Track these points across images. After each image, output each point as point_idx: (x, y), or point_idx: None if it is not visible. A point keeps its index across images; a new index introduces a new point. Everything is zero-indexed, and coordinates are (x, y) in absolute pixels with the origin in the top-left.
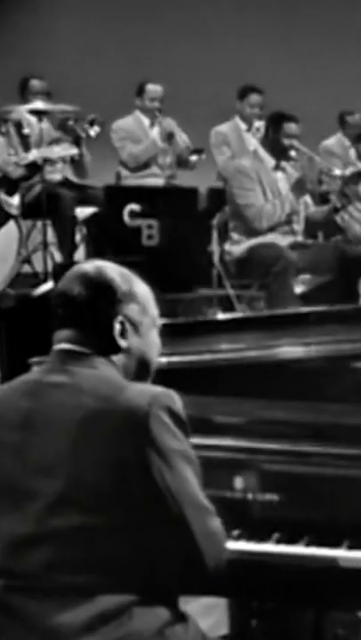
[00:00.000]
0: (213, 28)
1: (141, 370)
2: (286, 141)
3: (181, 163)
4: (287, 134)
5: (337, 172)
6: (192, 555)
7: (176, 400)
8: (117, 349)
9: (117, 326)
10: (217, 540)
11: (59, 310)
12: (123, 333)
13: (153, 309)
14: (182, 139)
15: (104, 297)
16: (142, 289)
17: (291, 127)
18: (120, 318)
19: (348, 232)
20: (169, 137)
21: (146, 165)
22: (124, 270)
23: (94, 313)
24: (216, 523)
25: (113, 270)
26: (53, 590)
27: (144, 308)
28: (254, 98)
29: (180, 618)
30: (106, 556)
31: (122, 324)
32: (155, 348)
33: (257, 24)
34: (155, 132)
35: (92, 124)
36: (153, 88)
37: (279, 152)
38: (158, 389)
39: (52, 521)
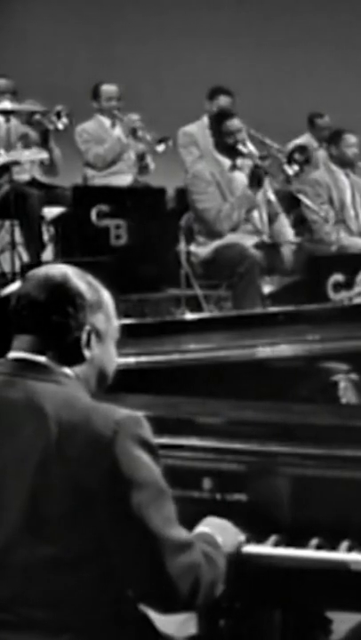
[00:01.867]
0: (183, 29)
1: (101, 380)
2: (230, 139)
3: (141, 168)
4: (229, 131)
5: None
6: (162, 588)
7: (143, 424)
8: (81, 360)
9: (84, 336)
10: (192, 573)
11: (21, 314)
12: (88, 343)
13: (115, 318)
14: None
15: (73, 305)
16: (107, 297)
17: (231, 124)
18: (88, 328)
19: (319, 232)
20: (133, 132)
21: (113, 162)
22: (90, 277)
23: (61, 321)
24: (193, 555)
25: (80, 278)
26: (20, 625)
27: (108, 317)
28: (223, 100)
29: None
30: (70, 589)
31: (89, 333)
32: (113, 357)
33: (228, 25)
34: (117, 131)
35: (58, 116)
36: (107, 88)
37: (228, 151)
38: (124, 414)
39: (13, 553)
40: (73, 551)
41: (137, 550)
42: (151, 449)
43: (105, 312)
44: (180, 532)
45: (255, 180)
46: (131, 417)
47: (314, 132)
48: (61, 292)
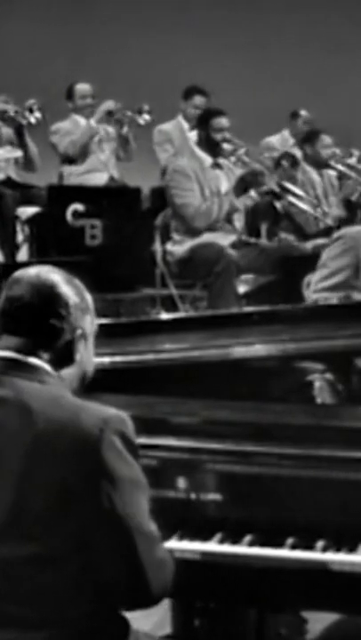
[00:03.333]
0: (157, 28)
1: (83, 380)
2: (217, 136)
3: (125, 152)
4: (216, 129)
5: (266, 154)
6: (138, 583)
7: (128, 423)
8: (72, 362)
9: (76, 339)
10: (164, 569)
11: (13, 316)
12: (77, 346)
13: (95, 319)
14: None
15: (67, 309)
16: (90, 298)
17: (219, 121)
18: (80, 332)
19: (304, 225)
20: (109, 114)
21: (85, 152)
22: (75, 280)
23: (56, 326)
24: (163, 551)
25: (69, 281)
26: (1, 621)
27: (92, 318)
28: (198, 99)
29: None
30: (51, 586)
31: (79, 336)
32: (92, 357)
33: (205, 25)
34: (92, 121)
35: (31, 110)
36: (81, 87)
37: (213, 148)
38: (110, 412)
39: None
40: (54, 548)
41: (119, 544)
42: (133, 447)
43: (91, 314)
44: (155, 527)
45: (242, 187)
46: (117, 415)
47: (294, 126)
48: (56, 297)
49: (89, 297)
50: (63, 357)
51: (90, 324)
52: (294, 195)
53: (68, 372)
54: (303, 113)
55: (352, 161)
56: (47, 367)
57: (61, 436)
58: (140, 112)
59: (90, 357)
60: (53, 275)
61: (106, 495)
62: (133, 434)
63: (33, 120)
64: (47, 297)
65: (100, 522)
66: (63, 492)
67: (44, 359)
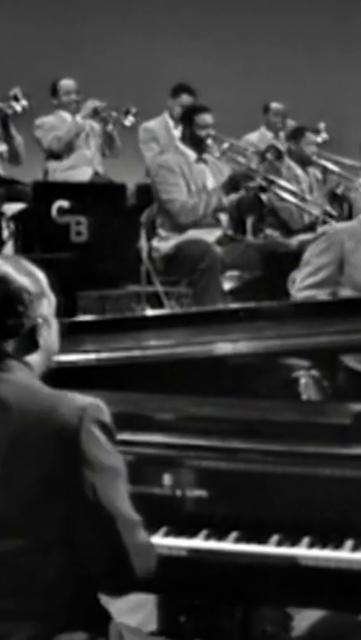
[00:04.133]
0: (142, 25)
1: (49, 360)
2: (202, 132)
3: (111, 150)
4: (201, 125)
5: (251, 149)
6: (122, 567)
7: (105, 410)
8: (36, 348)
9: (37, 327)
10: (148, 551)
11: None
12: (41, 332)
13: (51, 295)
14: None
15: (23, 303)
16: (42, 277)
17: (204, 118)
18: (40, 320)
19: (290, 221)
20: (94, 113)
21: (70, 147)
22: (23, 262)
23: (15, 322)
24: (144, 534)
25: (20, 270)
26: None
27: (49, 298)
28: (186, 98)
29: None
30: (34, 577)
31: (40, 323)
32: (57, 336)
33: (188, 23)
34: (78, 118)
35: (16, 99)
36: (65, 83)
37: (197, 144)
38: (87, 401)
39: None
40: (38, 539)
41: (103, 530)
42: (110, 433)
43: (47, 296)
44: (134, 513)
45: (231, 186)
46: (93, 403)
47: (268, 119)
48: (10, 294)
49: (40, 277)
50: (28, 345)
51: (47, 306)
52: (280, 187)
53: (35, 359)
54: (274, 105)
55: (319, 139)
56: (15, 357)
57: (41, 429)
58: (126, 113)
59: (54, 338)
60: (5, 268)
61: (89, 484)
62: (110, 420)
63: (19, 108)
64: (3, 297)
65: (84, 511)
66: (46, 484)
67: (9, 351)
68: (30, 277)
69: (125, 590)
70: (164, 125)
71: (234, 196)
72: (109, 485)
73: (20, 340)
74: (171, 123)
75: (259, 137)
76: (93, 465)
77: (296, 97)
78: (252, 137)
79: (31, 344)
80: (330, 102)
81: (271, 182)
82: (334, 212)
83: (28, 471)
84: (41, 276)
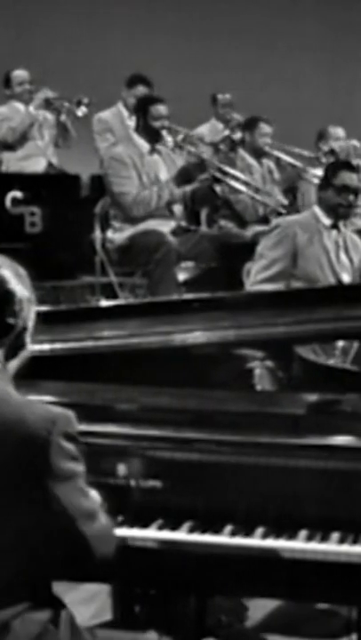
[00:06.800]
0: (94, 17)
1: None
2: (157, 123)
3: (64, 139)
4: (156, 116)
5: (207, 139)
6: (83, 555)
7: (73, 421)
8: (18, 354)
9: (25, 332)
10: (107, 537)
11: None
12: (25, 338)
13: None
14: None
15: (19, 305)
16: (28, 284)
17: (158, 109)
18: (30, 323)
19: (244, 212)
20: (47, 103)
21: (24, 138)
22: (17, 267)
23: (9, 324)
24: (104, 518)
25: (17, 274)
26: None
27: (34, 305)
28: (141, 89)
29: (57, 618)
30: None
31: (28, 327)
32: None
33: (144, 12)
34: (30, 108)
35: None
36: (18, 73)
37: (152, 135)
38: (57, 412)
39: None
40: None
41: (64, 531)
42: (77, 441)
43: (34, 302)
44: (93, 498)
45: (184, 178)
46: (62, 415)
47: (216, 110)
48: (9, 295)
49: (28, 284)
50: (14, 351)
51: (32, 311)
52: (234, 177)
53: (13, 364)
54: (220, 96)
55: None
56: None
57: (8, 437)
58: (78, 103)
59: (30, 346)
60: (4, 270)
61: (53, 496)
62: (76, 427)
63: None
64: (3, 297)
65: (46, 520)
66: (11, 491)
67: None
68: (24, 283)
69: (88, 571)
70: (119, 116)
71: (188, 188)
72: (72, 492)
73: (9, 344)
74: (125, 113)
75: (209, 128)
76: (60, 476)
77: (248, 88)
78: (203, 129)
79: (18, 348)
80: (285, 94)
81: (225, 173)
82: (285, 202)
83: None
84: (27, 280)
